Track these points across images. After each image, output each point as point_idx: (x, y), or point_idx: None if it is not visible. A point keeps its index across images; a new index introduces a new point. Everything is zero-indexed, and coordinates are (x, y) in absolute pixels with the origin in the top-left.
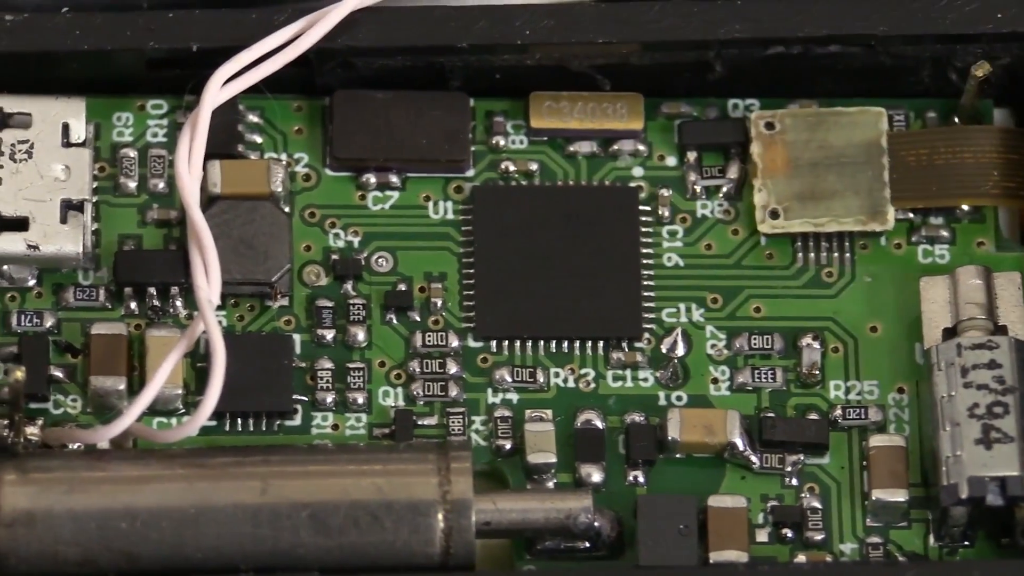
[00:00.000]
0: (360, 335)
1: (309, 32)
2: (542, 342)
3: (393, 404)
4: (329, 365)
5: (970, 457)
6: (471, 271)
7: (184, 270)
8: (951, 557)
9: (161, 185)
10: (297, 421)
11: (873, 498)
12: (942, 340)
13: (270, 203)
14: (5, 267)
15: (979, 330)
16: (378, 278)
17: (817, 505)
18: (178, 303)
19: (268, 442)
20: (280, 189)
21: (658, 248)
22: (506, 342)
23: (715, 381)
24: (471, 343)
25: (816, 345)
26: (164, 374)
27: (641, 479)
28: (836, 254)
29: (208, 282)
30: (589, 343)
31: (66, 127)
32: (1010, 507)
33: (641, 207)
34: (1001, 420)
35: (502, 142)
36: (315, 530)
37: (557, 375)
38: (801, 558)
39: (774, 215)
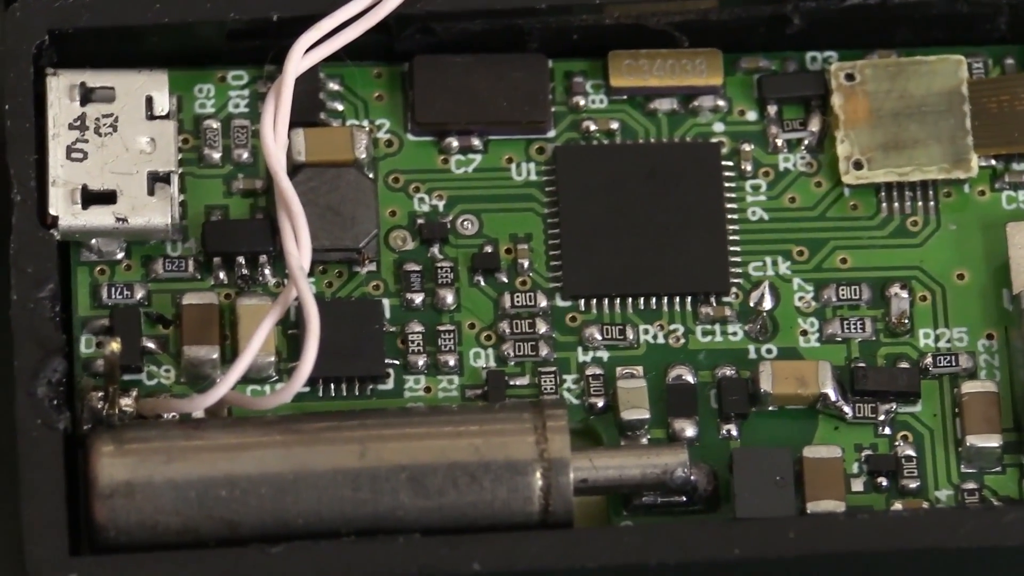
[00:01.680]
0: (449, 298)
1: None
2: (630, 299)
3: (484, 365)
4: (419, 328)
5: None
6: (556, 231)
7: (272, 238)
8: None
9: (245, 155)
10: (390, 385)
11: (967, 444)
12: None
13: (354, 169)
14: (94, 241)
15: None
16: (464, 241)
17: (911, 453)
18: (267, 271)
19: (362, 406)
20: (364, 155)
21: (742, 203)
22: (594, 300)
23: (804, 333)
24: (559, 302)
25: (904, 294)
26: (258, 342)
27: (735, 432)
28: (920, 203)
29: (299, 248)
30: (677, 299)
31: (149, 100)
32: None
33: (723, 162)
34: None
35: (582, 102)
36: (414, 492)
37: (646, 332)
38: (897, 506)
39: (858, 166)
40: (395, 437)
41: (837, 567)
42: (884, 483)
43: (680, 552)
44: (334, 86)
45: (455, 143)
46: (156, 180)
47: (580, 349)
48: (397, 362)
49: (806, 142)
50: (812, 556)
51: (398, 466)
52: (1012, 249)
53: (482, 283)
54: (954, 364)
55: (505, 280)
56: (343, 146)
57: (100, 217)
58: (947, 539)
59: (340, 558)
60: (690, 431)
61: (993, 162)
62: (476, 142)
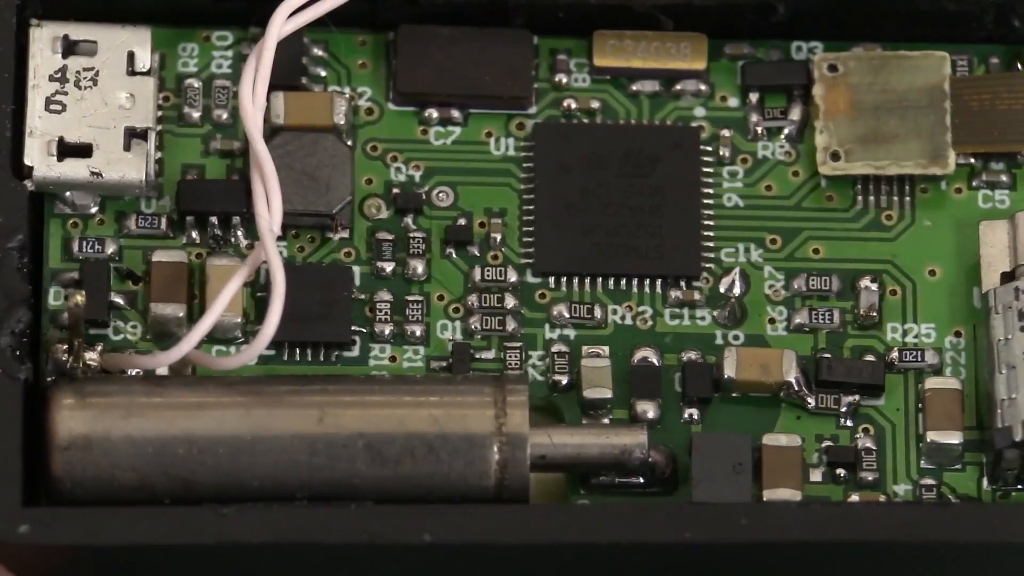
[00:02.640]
0: (420, 268)
1: None
2: (600, 279)
3: (451, 337)
4: (388, 297)
5: None
6: (531, 207)
7: (246, 200)
8: (1004, 500)
9: (225, 116)
10: (355, 352)
11: (928, 440)
12: (1000, 284)
13: (333, 135)
14: (68, 193)
15: None
16: (438, 212)
17: (871, 446)
18: (239, 233)
19: (326, 372)
20: (343, 122)
21: (718, 188)
22: (564, 278)
23: (772, 321)
24: (530, 278)
25: (874, 287)
26: (224, 301)
27: (696, 417)
28: (896, 197)
29: (270, 212)
30: (647, 281)
31: (131, 56)
32: None
33: (702, 147)
34: None
35: (565, 80)
36: (371, 460)
37: (615, 312)
38: (854, 498)
39: (835, 157)
40: (355, 404)
41: (789, 556)
42: (843, 475)
43: (632, 533)
44: (318, 52)
45: (435, 114)
46: (133, 136)
47: (547, 326)
48: (364, 330)
49: (786, 131)
50: (764, 544)
51: (356, 433)
52: (984, 247)
53: (454, 255)
54: (920, 360)
55: (477, 254)
56: (322, 111)
57: (75, 170)
58: (901, 534)
59: (292, 522)
60: (652, 413)
61: (972, 160)
62: (456, 114)
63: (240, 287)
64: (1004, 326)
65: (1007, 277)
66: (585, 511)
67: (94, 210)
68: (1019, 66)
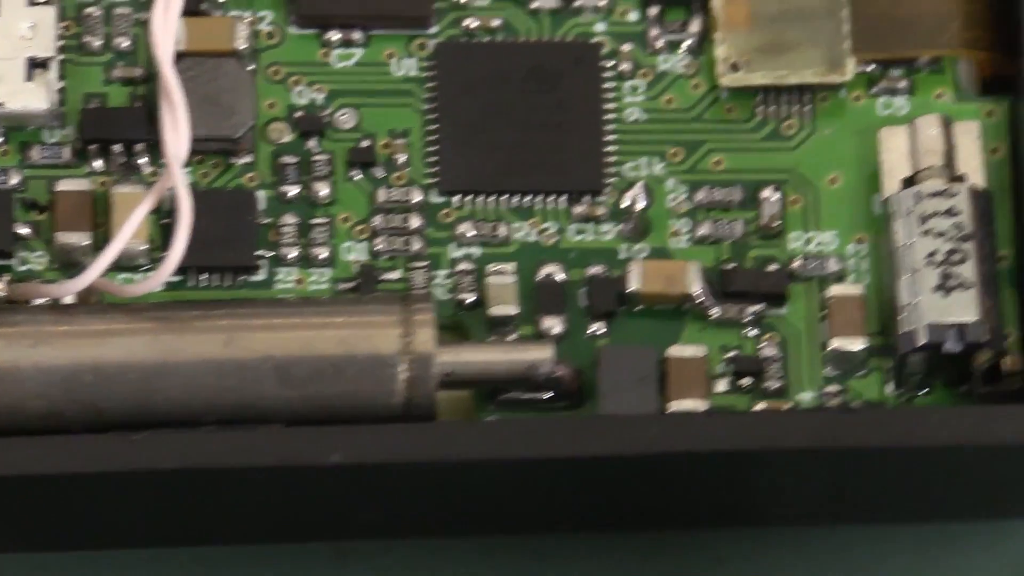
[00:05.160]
0: (324, 191)
1: None
2: (504, 196)
3: (357, 259)
4: (293, 220)
5: (928, 304)
6: (434, 127)
7: (149, 127)
8: (909, 405)
9: (126, 43)
10: (261, 276)
11: (831, 347)
12: (901, 189)
13: (234, 60)
14: None
15: (937, 178)
16: (342, 135)
17: (776, 355)
18: (143, 160)
19: (233, 297)
20: (244, 46)
21: (620, 103)
22: (469, 197)
23: (676, 234)
24: (434, 198)
25: (776, 197)
26: (130, 229)
27: (602, 331)
28: (796, 106)
29: (177, 139)
30: (551, 197)
31: None
32: (968, 354)
33: (603, 62)
34: (959, 267)
35: None
36: (279, 382)
37: (519, 229)
38: (760, 407)
39: (735, 68)
40: (262, 327)
41: (696, 465)
42: (748, 384)
43: (538, 447)
44: None
45: (337, 37)
46: (35, 66)
47: (453, 245)
48: (269, 254)
49: (686, 44)
50: (671, 454)
51: (264, 356)
52: (884, 154)
53: (358, 177)
54: (823, 268)
55: (381, 175)
56: (223, 36)
57: None
58: (806, 440)
59: (201, 447)
60: (558, 328)
61: (871, 67)
62: (358, 36)
63: (145, 214)
64: (905, 231)
65: (907, 183)
66: (491, 427)
67: None
68: None
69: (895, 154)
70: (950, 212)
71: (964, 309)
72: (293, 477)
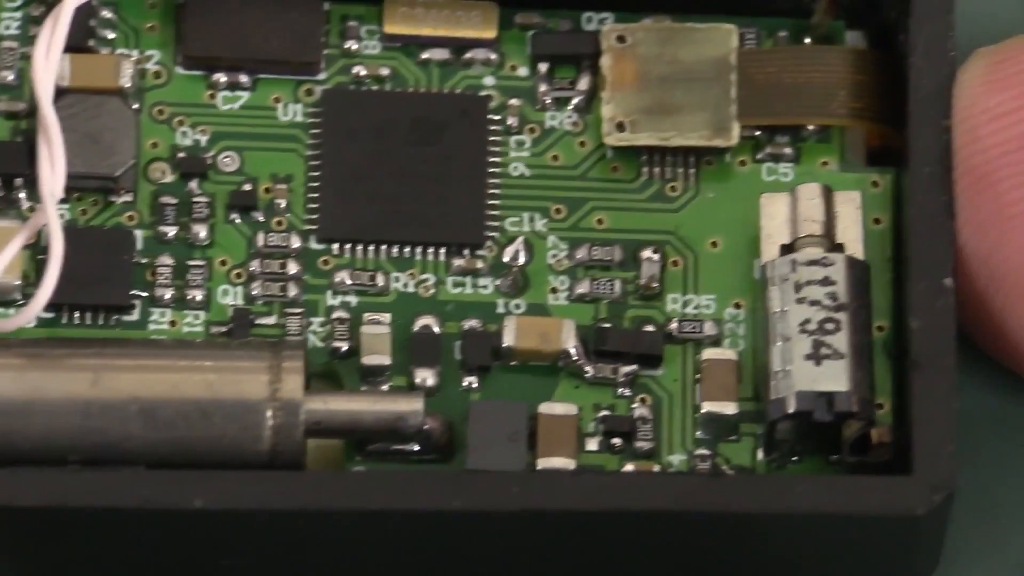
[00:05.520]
0: (202, 233)
1: None
2: (384, 246)
3: (232, 303)
4: (170, 262)
5: (799, 372)
6: (317, 174)
7: (29, 162)
8: (779, 471)
9: (11, 77)
10: (135, 316)
11: (703, 410)
12: (779, 256)
13: (118, 98)
14: None
15: (815, 247)
16: (224, 177)
17: (648, 416)
18: (22, 195)
19: (106, 336)
20: (129, 85)
21: (505, 157)
22: (348, 245)
23: (554, 291)
24: (313, 245)
25: (656, 258)
26: (2, 264)
27: (475, 385)
28: (681, 169)
29: (54, 175)
30: (431, 249)
31: None
32: (838, 424)
33: (491, 116)
34: (832, 336)
35: (355, 47)
36: (144, 424)
37: (397, 279)
38: (629, 467)
39: (621, 128)
40: (130, 368)
41: (561, 524)
42: (618, 444)
43: (402, 499)
44: (107, 14)
45: (223, 79)
46: None
47: (329, 292)
48: (144, 294)
49: (574, 101)
50: (535, 512)
51: (130, 397)
52: (764, 219)
53: (238, 220)
54: (699, 331)
55: (261, 219)
56: (108, 74)
57: None
58: (673, 503)
59: (63, 486)
60: (431, 381)
61: (757, 133)
62: (245, 79)
63: (18, 250)
64: (780, 298)
65: (786, 249)
66: (356, 477)
67: None
68: (808, 41)
69: (775, 220)
70: (826, 281)
71: (834, 379)
72: (155, 521)
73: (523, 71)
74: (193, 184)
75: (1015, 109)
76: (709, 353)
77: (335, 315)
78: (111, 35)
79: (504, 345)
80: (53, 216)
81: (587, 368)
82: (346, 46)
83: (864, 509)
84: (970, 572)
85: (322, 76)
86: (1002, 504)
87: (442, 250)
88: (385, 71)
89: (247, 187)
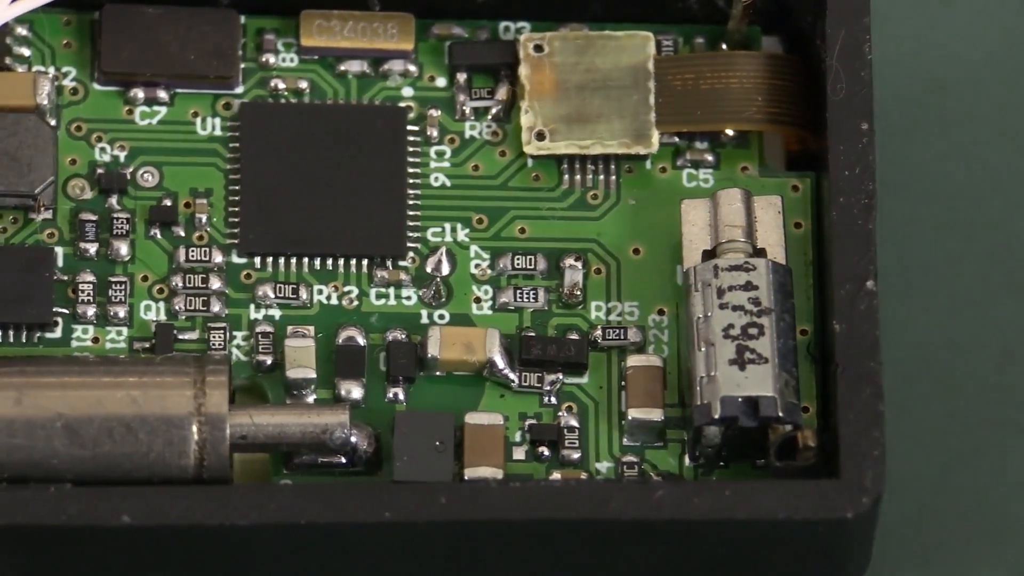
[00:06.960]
0: (123, 249)
1: None
2: (306, 259)
3: (155, 318)
4: (91, 278)
5: (724, 377)
6: (237, 187)
7: None
8: (705, 477)
9: None
10: (57, 333)
11: (629, 417)
12: (701, 261)
13: (35, 116)
14: None
15: (737, 252)
16: (143, 193)
17: (574, 424)
18: None
19: (29, 354)
20: (46, 102)
21: (425, 168)
22: (270, 259)
23: (477, 300)
24: (235, 259)
25: (579, 266)
26: None
27: (401, 396)
28: (601, 177)
29: None
30: (353, 261)
31: None
32: (764, 428)
33: (410, 127)
34: (755, 341)
35: (272, 60)
36: (69, 441)
37: (320, 292)
38: (556, 476)
39: (540, 137)
40: (53, 385)
41: (489, 534)
42: (545, 453)
43: (330, 513)
44: (22, 31)
45: (141, 94)
46: None
47: (252, 306)
48: (66, 311)
49: (493, 111)
50: (463, 522)
51: (55, 414)
52: (685, 226)
53: (158, 236)
54: (623, 338)
55: (182, 234)
56: (25, 92)
57: None
58: (598, 511)
59: None
60: (356, 393)
61: (676, 139)
62: (162, 94)
63: None
64: (703, 304)
65: (708, 255)
66: (283, 491)
67: None
68: (724, 46)
69: (696, 227)
70: (748, 286)
71: (759, 384)
72: (82, 538)
73: (441, 81)
74: (113, 200)
75: None
76: (634, 360)
77: (258, 329)
78: (27, 52)
79: (429, 356)
80: None
81: (512, 377)
82: (263, 59)
83: (793, 513)
84: (901, 573)
85: (240, 90)
86: (931, 505)
87: (364, 262)
88: (303, 84)
89: (167, 202)
